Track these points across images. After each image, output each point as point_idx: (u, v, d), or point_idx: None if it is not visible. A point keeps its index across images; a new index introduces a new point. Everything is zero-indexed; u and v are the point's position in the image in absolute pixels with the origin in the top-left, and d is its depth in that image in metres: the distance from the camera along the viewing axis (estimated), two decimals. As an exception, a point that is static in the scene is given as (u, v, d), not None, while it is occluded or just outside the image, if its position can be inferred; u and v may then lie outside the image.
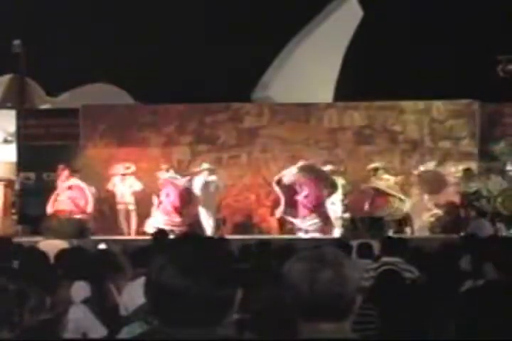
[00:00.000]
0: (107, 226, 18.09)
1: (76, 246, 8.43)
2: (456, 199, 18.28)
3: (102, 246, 9.56)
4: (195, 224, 17.48)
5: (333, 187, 17.26)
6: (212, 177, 17.66)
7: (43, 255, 6.41)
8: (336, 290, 2.55)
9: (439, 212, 18.51)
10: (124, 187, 17.96)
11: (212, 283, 2.36)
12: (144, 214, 17.85)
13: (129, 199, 17.94)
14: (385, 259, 7.76)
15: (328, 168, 17.79)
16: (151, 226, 16.91)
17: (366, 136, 19.15)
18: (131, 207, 17.94)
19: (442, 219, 18.44)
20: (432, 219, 18.50)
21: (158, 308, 2.41)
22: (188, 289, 2.34)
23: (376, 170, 17.92)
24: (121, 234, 17.67)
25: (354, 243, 9.83)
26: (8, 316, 3.52)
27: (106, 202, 18.53)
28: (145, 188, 18.18)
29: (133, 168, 18.10)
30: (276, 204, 18.29)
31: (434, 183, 18.78)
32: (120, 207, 18.05)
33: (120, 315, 5.66)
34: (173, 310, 2.37)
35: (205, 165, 17.85)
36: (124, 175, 18.04)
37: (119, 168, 18.13)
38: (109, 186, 18.06)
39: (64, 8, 23.17)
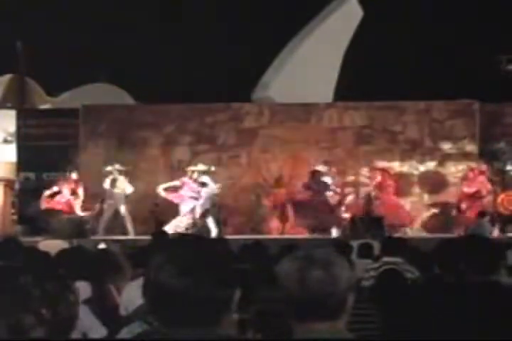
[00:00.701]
0: (107, 226, 18.07)
1: (76, 246, 8.42)
2: (456, 199, 18.30)
3: (102, 245, 9.53)
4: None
5: None
6: (206, 179, 17.65)
7: (47, 255, 6.41)
8: (326, 289, 2.55)
9: (435, 211, 18.55)
10: (116, 187, 17.77)
11: (210, 282, 2.35)
12: (139, 215, 17.82)
13: (120, 200, 17.75)
14: (385, 259, 7.75)
15: (324, 168, 17.85)
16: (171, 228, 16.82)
17: (366, 136, 19.14)
18: (123, 208, 17.75)
19: (436, 219, 18.48)
20: (428, 218, 18.56)
21: (156, 308, 2.40)
22: (185, 289, 2.33)
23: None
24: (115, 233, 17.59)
25: (354, 243, 9.83)
26: (33, 316, 3.51)
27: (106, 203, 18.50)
28: (144, 189, 18.18)
29: (122, 168, 17.90)
30: (276, 204, 18.34)
31: (434, 183, 18.78)
32: (111, 206, 17.88)
33: (120, 315, 5.65)
34: (170, 309, 2.36)
35: (201, 167, 17.80)
36: (120, 172, 17.83)
37: (113, 167, 17.94)
38: (104, 186, 17.90)
39: (64, 8, 23.18)
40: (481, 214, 16.63)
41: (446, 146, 19.03)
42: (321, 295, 2.54)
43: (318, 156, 18.71)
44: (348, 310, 2.59)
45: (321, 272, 2.55)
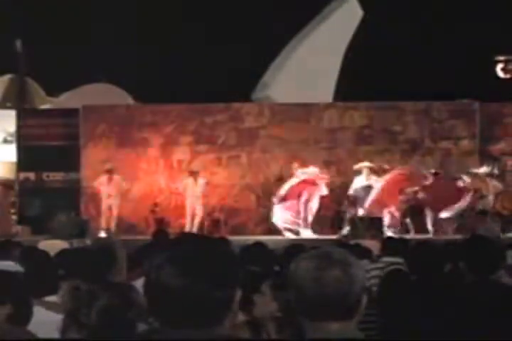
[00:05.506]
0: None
1: (76, 246, 8.42)
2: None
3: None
4: None
5: None
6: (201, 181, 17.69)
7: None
8: (343, 289, 2.53)
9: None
10: (109, 186, 17.69)
11: (211, 283, 2.34)
12: (139, 215, 17.80)
13: (115, 199, 17.69)
14: (385, 259, 7.74)
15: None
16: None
17: (366, 136, 19.15)
18: (115, 207, 17.69)
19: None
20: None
21: (157, 308, 2.39)
22: (186, 289, 2.32)
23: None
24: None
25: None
26: (76, 316, 3.53)
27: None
28: (144, 189, 18.18)
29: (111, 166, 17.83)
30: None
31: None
32: (104, 206, 17.82)
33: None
34: (171, 310, 2.35)
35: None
36: (108, 171, 17.68)
37: (104, 166, 17.88)
38: (96, 184, 17.81)
39: (64, 8, 23.20)
40: (481, 213, 16.61)
41: (446, 146, 19.03)
42: (337, 294, 2.53)
43: (318, 156, 18.72)
44: (361, 311, 2.58)
45: (339, 272, 2.54)
